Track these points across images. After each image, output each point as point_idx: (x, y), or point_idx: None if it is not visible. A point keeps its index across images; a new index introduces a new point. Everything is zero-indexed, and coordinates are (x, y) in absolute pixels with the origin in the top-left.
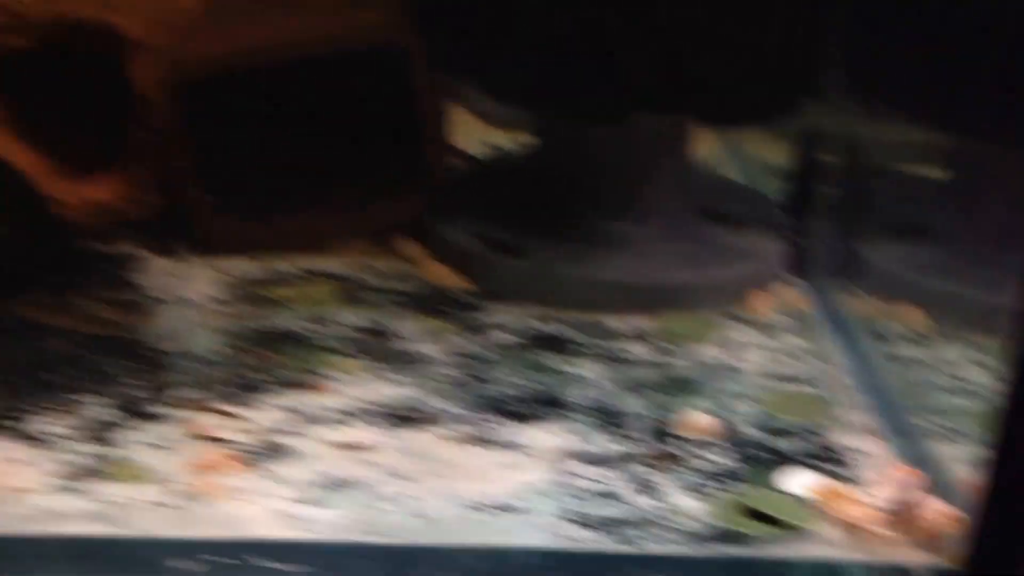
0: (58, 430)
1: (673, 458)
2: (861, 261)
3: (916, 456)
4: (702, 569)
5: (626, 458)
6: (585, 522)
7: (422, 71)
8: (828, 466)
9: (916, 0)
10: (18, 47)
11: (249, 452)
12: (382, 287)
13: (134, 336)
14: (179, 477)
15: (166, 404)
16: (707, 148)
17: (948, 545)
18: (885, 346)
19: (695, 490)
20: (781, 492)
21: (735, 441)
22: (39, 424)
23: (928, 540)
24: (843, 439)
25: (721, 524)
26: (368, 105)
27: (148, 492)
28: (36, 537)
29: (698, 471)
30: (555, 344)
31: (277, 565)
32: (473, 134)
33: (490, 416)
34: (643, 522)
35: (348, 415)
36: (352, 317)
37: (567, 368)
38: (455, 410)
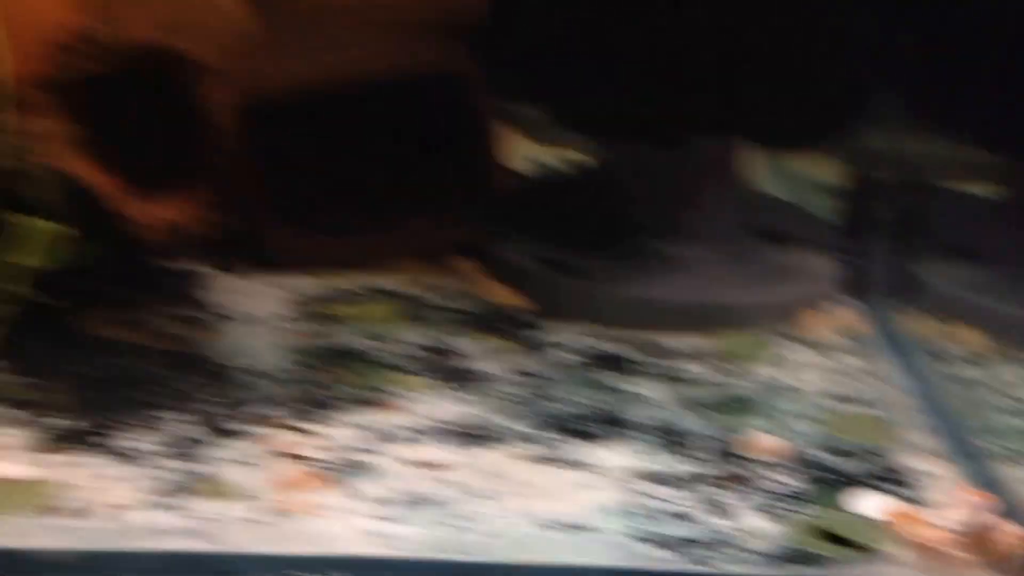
0: (145, 446)
1: (741, 479)
2: (916, 281)
3: (981, 478)
4: None
5: (694, 478)
6: (658, 541)
7: (481, 95)
8: (894, 488)
9: (970, 20)
10: (93, 71)
11: (328, 469)
12: (441, 305)
13: (206, 353)
14: (264, 494)
15: (244, 421)
16: (754, 166)
17: (1021, 567)
18: (944, 367)
19: (766, 511)
20: (852, 513)
21: (801, 462)
22: (126, 440)
23: (1001, 562)
24: (908, 460)
25: (794, 545)
26: (428, 128)
27: (236, 508)
28: (133, 552)
29: (767, 492)
30: (614, 363)
31: None
32: (519, 150)
33: (557, 435)
34: (715, 542)
35: (419, 433)
36: (413, 335)
37: (628, 387)
38: (522, 429)
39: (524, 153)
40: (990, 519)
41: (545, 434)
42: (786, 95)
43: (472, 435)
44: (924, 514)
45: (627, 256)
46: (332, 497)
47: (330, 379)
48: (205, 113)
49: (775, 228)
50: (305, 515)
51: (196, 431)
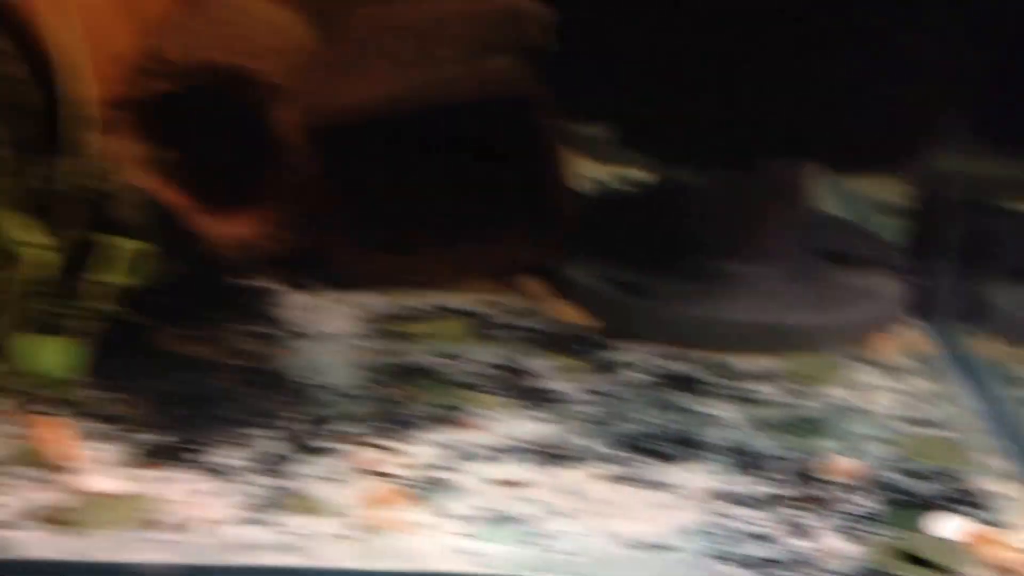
0: (235, 462)
1: (820, 500)
2: (985, 303)
3: None
4: None
5: (773, 499)
6: (739, 561)
7: (548, 117)
8: (971, 510)
9: None
10: (166, 91)
11: (412, 486)
12: (509, 324)
13: (282, 370)
14: (352, 510)
15: (327, 438)
16: (820, 186)
17: None
18: (1016, 390)
19: (845, 532)
20: (932, 535)
21: (877, 484)
22: (216, 456)
23: None
24: (983, 483)
25: (875, 566)
26: (496, 148)
27: (328, 525)
28: (238, 567)
29: (846, 514)
30: (685, 383)
31: None
32: (582, 169)
33: (634, 455)
34: (796, 563)
35: (499, 451)
36: (485, 353)
37: (701, 408)
38: (598, 448)
39: (588, 172)
40: None
41: (622, 454)
42: (860, 120)
43: (550, 454)
44: (1003, 536)
45: (693, 276)
46: (418, 514)
47: (404, 397)
48: (275, 132)
49: (842, 249)
50: (394, 531)
51: (282, 447)
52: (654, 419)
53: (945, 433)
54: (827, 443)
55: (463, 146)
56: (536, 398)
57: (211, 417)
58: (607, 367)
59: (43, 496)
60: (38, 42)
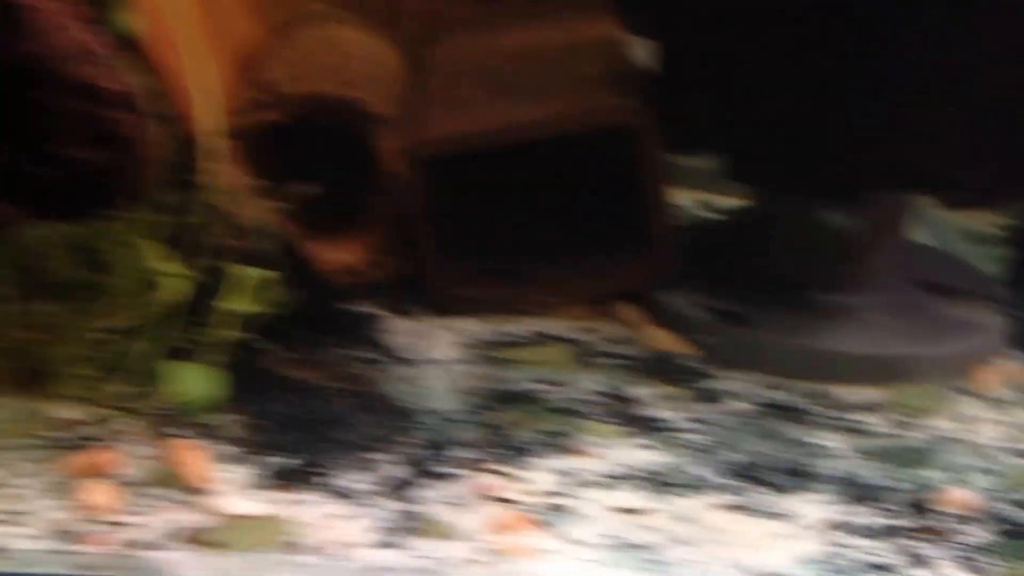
0: (361, 486)
1: (936, 531)
2: None
3: None
4: None
5: (890, 530)
6: None
7: (651, 148)
8: None
9: None
10: (276, 121)
11: (535, 512)
12: (609, 351)
13: (393, 395)
14: (479, 535)
15: (445, 463)
16: (919, 218)
17: None
18: None
19: (964, 562)
20: None
21: (992, 516)
22: (343, 480)
23: None
24: None
25: None
26: (598, 179)
27: (458, 549)
28: None
29: (963, 544)
30: (791, 413)
31: None
32: (682, 197)
33: (747, 484)
34: None
35: (614, 479)
36: (587, 380)
37: (808, 438)
38: (712, 477)
39: (687, 200)
40: None
41: (735, 483)
42: (973, 157)
43: (665, 482)
44: None
45: (792, 305)
46: (543, 540)
47: (511, 423)
48: (379, 161)
49: (943, 280)
50: (522, 557)
51: (404, 471)
52: (763, 448)
53: None
54: (934, 474)
55: (565, 175)
56: (643, 426)
57: (332, 441)
58: (710, 396)
59: (185, 517)
60: (176, 79)
